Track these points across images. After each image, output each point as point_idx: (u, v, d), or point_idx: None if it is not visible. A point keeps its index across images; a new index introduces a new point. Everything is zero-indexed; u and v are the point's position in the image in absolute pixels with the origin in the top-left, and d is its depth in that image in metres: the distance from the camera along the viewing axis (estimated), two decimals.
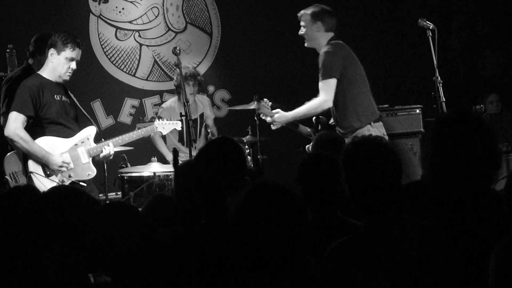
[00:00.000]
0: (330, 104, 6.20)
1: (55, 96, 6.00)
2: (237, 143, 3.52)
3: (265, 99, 6.47)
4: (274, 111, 6.39)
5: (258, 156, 7.88)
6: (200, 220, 3.30)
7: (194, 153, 6.20)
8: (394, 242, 2.88)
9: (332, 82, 6.16)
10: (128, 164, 7.36)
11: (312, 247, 3.00)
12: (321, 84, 6.20)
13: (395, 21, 9.07)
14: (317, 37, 6.41)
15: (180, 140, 8.00)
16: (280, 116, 6.37)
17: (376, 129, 6.18)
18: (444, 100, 6.26)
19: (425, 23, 6.42)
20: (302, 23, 6.48)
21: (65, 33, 6.08)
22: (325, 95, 6.17)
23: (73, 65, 6.01)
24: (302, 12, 6.52)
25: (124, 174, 7.12)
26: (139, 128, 6.58)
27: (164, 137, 7.92)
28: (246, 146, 7.74)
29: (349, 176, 3.02)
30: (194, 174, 3.39)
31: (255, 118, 7.85)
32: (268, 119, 6.42)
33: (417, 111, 7.96)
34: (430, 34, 6.37)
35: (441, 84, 6.28)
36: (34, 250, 2.92)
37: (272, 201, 2.59)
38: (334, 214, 3.67)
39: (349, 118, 6.19)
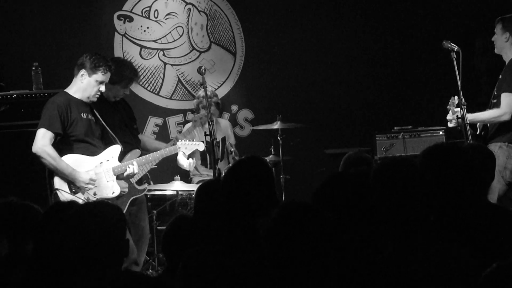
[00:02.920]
0: (507, 117, 6.28)
1: (82, 114, 6.00)
2: (267, 163, 3.49)
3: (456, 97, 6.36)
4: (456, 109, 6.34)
5: (281, 176, 7.89)
6: (220, 240, 3.29)
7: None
8: (421, 266, 2.88)
9: None
10: (151, 183, 7.39)
11: None
12: (505, 96, 6.28)
13: (419, 43, 9.06)
14: (504, 47, 6.49)
15: (203, 162, 7.99)
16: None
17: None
18: (468, 122, 6.23)
19: (449, 45, 6.40)
20: (495, 29, 6.54)
21: (97, 55, 6.03)
22: (507, 107, 6.26)
23: (102, 88, 6.01)
24: (498, 18, 6.57)
25: (147, 193, 7.14)
26: (174, 144, 6.56)
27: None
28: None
29: (379, 195, 3.04)
30: (223, 193, 3.35)
31: (278, 137, 7.88)
32: (449, 116, 6.39)
33: (440, 132, 7.96)
34: (455, 56, 6.35)
35: (465, 106, 6.26)
36: (73, 267, 2.95)
37: (303, 221, 2.60)
38: None
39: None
